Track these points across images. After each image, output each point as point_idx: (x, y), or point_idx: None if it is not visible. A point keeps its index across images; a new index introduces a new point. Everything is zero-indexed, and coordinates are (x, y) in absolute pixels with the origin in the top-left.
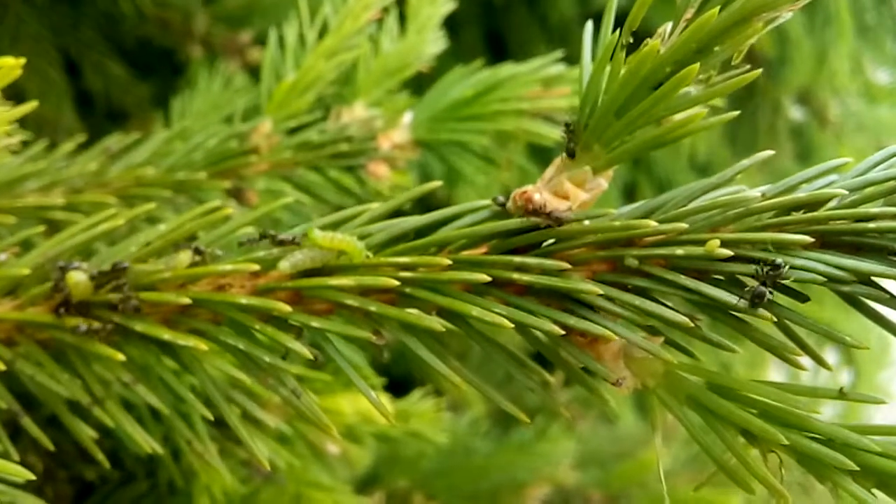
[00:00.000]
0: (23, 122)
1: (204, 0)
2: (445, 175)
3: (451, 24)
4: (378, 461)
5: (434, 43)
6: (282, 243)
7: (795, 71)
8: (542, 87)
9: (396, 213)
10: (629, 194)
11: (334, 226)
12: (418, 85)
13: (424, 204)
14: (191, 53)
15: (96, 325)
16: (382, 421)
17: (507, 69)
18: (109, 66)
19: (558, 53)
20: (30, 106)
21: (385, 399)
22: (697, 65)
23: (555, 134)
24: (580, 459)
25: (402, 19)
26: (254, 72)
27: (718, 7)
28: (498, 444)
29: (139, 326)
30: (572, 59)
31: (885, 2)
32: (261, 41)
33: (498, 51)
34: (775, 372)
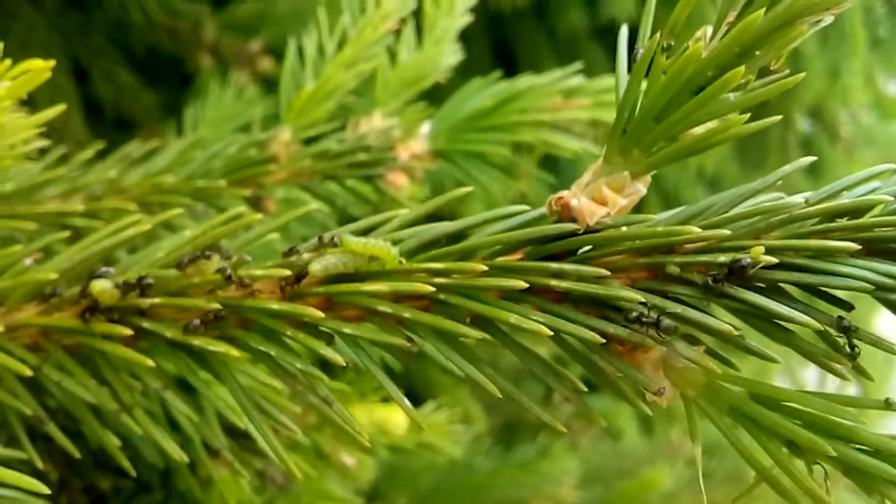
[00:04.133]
0: None
1: (213, 9)
2: (457, 185)
3: (461, 38)
4: (380, 477)
5: (451, 54)
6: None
7: (808, 86)
8: (562, 99)
9: None
10: (636, 207)
11: (364, 231)
12: (432, 96)
13: (431, 217)
14: (200, 62)
15: (210, 316)
16: (397, 432)
17: (526, 80)
18: (118, 73)
19: (577, 65)
20: (55, 111)
21: (401, 410)
22: (743, 68)
23: (574, 145)
24: (583, 477)
25: (420, 30)
26: (264, 82)
27: (764, 10)
28: (499, 461)
29: (169, 332)
30: (583, 72)
31: None
32: (271, 51)
33: (506, 63)
34: (780, 382)
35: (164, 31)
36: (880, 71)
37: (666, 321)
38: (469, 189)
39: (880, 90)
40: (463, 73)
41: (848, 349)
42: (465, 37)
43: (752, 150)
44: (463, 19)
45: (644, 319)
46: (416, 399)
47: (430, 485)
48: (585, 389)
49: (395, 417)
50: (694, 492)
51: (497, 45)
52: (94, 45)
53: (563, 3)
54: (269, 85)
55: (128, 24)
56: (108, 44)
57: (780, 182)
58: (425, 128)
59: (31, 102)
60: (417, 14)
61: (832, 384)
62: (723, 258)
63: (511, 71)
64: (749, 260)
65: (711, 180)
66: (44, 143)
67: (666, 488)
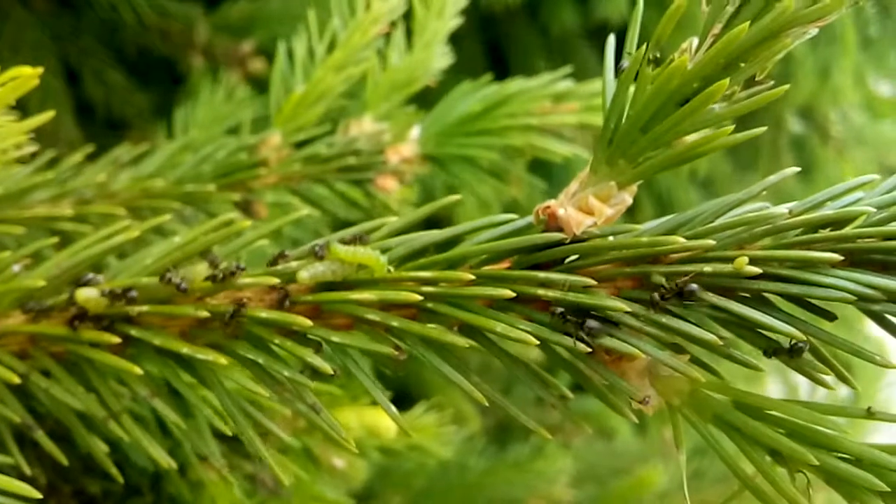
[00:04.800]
0: None
1: (205, 10)
2: (447, 191)
3: (452, 37)
4: (373, 477)
5: (441, 57)
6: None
7: (798, 87)
8: (552, 103)
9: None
10: (629, 210)
11: (353, 239)
12: (421, 99)
13: (425, 222)
14: (192, 63)
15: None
16: (387, 435)
17: (515, 84)
18: (110, 74)
19: (567, 69)
20: (45, 117)
21: (390, 416)
22: (727, 80)
23: (563, 150)
24: (577, 477)
25: (410, 34)
26: (256, 83)
27: (748, 23)
28: (493, 461)
29: (157, 340)
30: (575, 73)
31: (888, 15)
32: (262, 52)
33: (498, 64)
34: (773, 388)
35: (155, 33)
36: (871, 71)
37: (591, 322)
38: (458, 197)
39: (871, 90)
40: (455, 73)
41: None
42: (457, 37)
43: (743, 151)
44: (453, 22)
45: (569, 317)
46: (410, 399)
47: (425, 485)
48: (572, 396)
49: (386, 420)
50: (687, 492)
51: (489, 46)
52: (85, 46)
53: (556, 3)
54: (261, 85)
55: (119, 25)
56: (99, 45)
57: (764, 192)
58: (415, 131)
59: (23, 104)
60: (408, 17)
61: (823, 389)
62: (708, 268)
63: (503, 72)
64: (695, 286)
65: (704, 182)
66: (34, 147)
67: (660, 487)
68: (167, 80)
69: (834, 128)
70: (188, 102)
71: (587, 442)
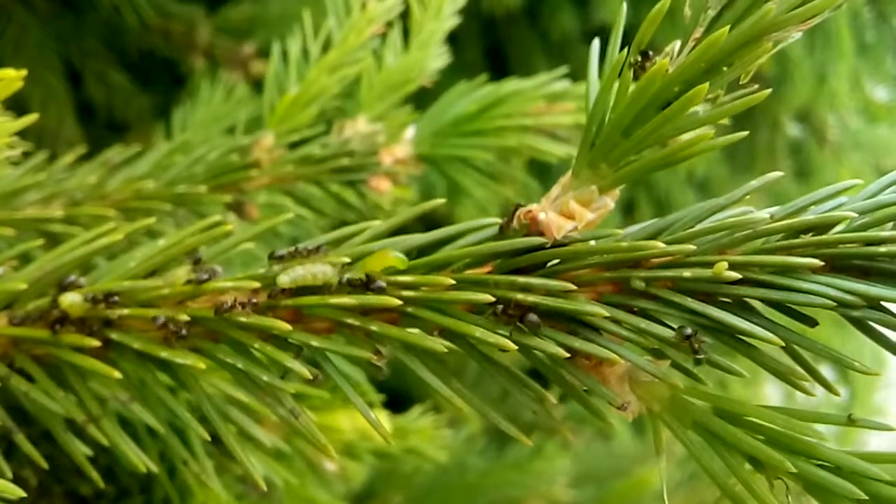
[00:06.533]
0: (23, 133)
1: (207, 11)
2: (447, 191)
3: (452, 40)
4: (373, 477)
5: (437, 58)
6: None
7: (795, 91)
8: (547, 104)
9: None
10: (628, 211)
11: (336, 243)
12: (420, 100)
13: (425, 220)
14: (193, 65)
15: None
16: (381, 438)
17: (510, 85)
18: (111, 76)
19: (563, 69)
20: (31, 118)
21: (384, 416)
22: (707, 84)
23: (558, 150)
24: (576, 477)
25: (406, 34)
26: (256, 84)
27: (728, 26)
28: (493, 461)
29: (136, 344)
30: (574, 75)
31: (885, 20)
32: (264, 53)
33: (499, 66)
34: (771, 390)
35: (157, 34)
36: (867, 76)
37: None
38: (442, 201)
39: (867, 95)
40: (455, 76)
41: (693, 354)
42: (458, 40)
43: (741, 153)
44: (450, 22)
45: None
46: (410, 400)
47: (425, 484)
48: (555, 401)
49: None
50: (686, 493)
51: (489, 49)
52: (87, 47)
53: (555, 6)
54: (262, 87)
55: (121, 26)
56: (102, 46)
57: (748, 196)
58: (409, 132)
59: (24, 106)
60: (405, 17)
61: (818, 394)
62: (687, 273)
63: (503, 74)
64: (536, 318)
65: (701, 184)
66: (26, 147)
67: (658, 488)
68: (169, 82)
69: (831, 132)
70: (187, 103)
71: (586, 443)
